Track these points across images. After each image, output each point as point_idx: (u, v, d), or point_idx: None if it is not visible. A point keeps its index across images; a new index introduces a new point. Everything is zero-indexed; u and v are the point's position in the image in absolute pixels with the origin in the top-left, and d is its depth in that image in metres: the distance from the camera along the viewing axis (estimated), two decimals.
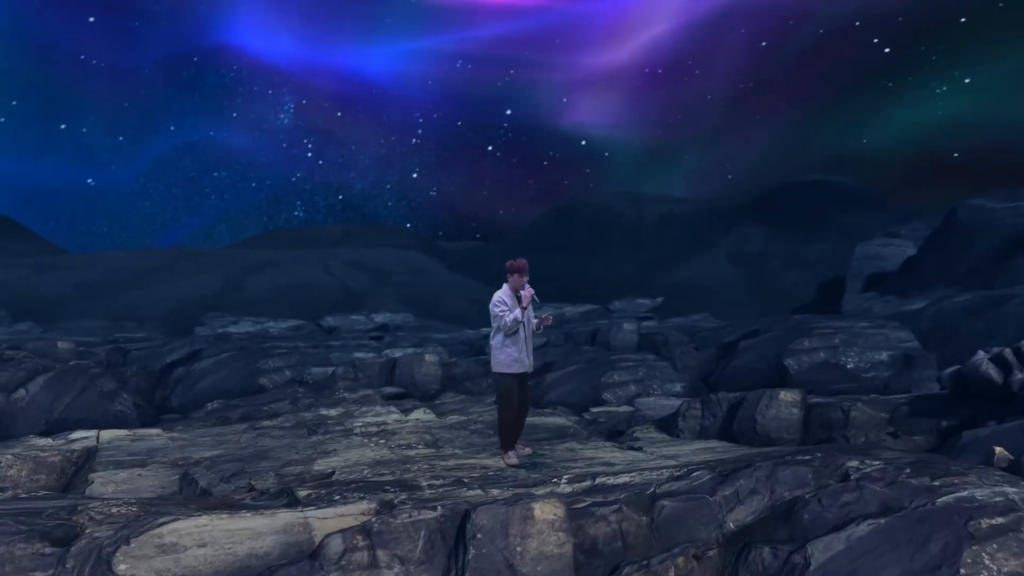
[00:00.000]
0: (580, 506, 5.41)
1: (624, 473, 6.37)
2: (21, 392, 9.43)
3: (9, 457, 8.03)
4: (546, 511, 4.72)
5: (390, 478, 6.87)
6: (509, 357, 7.59)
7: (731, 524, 5.44)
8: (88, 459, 8.41)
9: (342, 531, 4.72)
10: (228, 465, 8.02)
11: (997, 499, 5.14)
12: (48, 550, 5.24)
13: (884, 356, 11.62)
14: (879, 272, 24.06)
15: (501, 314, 7.55)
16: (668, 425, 9.96)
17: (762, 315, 14.96)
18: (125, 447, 8.78)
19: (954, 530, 4.82)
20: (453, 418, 10.38)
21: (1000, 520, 4.88)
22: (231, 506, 6.05)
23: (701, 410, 9.65)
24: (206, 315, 24.33)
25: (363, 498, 5.88)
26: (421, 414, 10.26)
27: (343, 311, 28.43)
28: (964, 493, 5.24)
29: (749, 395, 9.14)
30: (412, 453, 8.33)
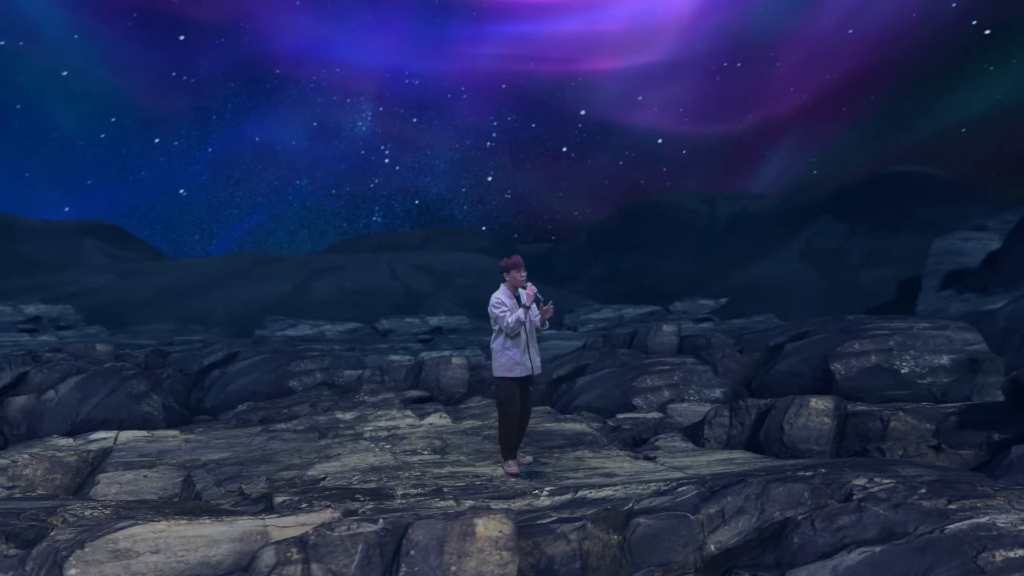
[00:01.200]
0: (542, 522, 5.01)
1: (610, 486, 5.91)
2: (51, 393, 9.74)
3: (26, 456, 8.26)
4: (490, 528, 4.34)
5: (373, 485, 6.63)
6: (510, 360, 7.25)
7: (712, 546, 4.92)
8: (103, 460, 8.56)
9: (277, 543, 4.49)
10: (229, 468, 7.99)
11: (1022, 527, 4.43)
12: (12, 551, 5.26)
13: (944, 360, 10.55)
14: (959, 268, 22.22)
15: (501, 316, 7.22)
16: (695, 433, 9.36)
17: (829, 316, 13.99)
18: (139, 448, 8.91)
19: (962, 563, 4.17)
20: (468, 423, 10.10)
21: (1020, 553, 4.19)
22: (207, 511, 5.95)
23: (729, 418, 9.01)
24: (267, 318, 24.95)
25: (329, 506, 5.65)
26: (436, 419, 10.02)
27: (401, 314, 28.65)
28: (983, 519, 4.55)
29: (778, 402, 8.45)
30: (414, 459, 8.08)
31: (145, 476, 8.00)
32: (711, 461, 7.79)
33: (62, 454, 8.47)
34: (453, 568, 4.12)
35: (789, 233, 43.63)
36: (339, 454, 8.39)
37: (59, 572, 4.96)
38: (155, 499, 7.40)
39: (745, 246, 44.41)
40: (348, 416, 9.96)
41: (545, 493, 5.96)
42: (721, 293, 28.61)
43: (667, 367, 11.73)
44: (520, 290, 7.44)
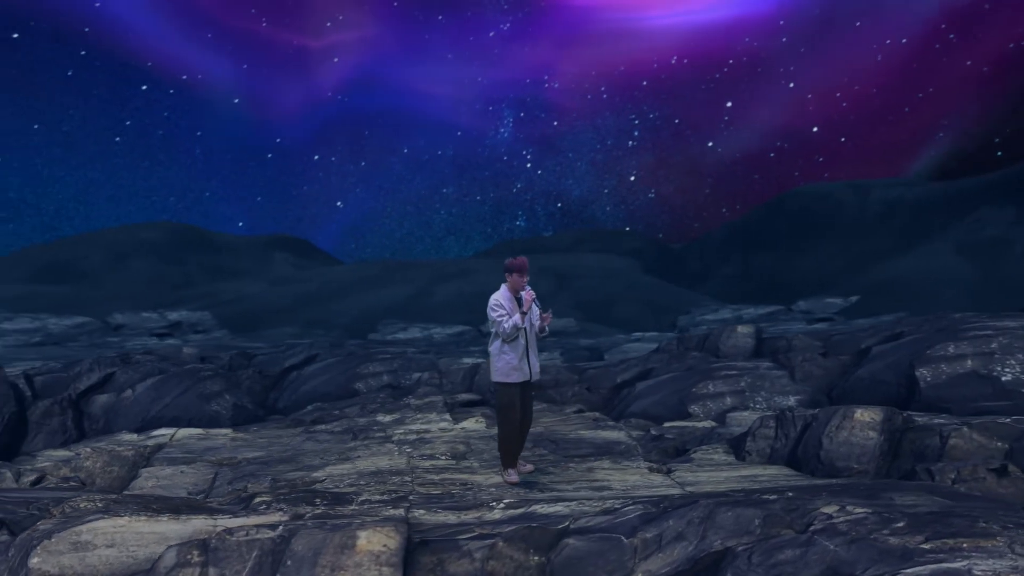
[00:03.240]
0: (461, 537, 4.70)
1: (567, 502, 5.48)
2: (128, 392, 10.63)
3: (88, 450, 9.05)
4: (373, 541, 4.12)
5: (349, 489, 6.61)
6: (508, 365, 6.99)
7: (640, 575, 4.39)
8: (155, 455, 9.20)
9: (180, 545, 4.53)
10: (252, 467, 8.30)
11: None
12: (3, 537, 5.73)
13: None
14: None
15: (499, 319, 6.99)
16: (739, 446, 8.54)
17: (934, 313, 12.16)
18: (188, 445, 9.49)
19: None
20: None
21: None
22: (186, 509, 6.17)
23: (775, 429, 8.13)
24: (381, 322, 25.98)
25: (281, 509, 5.68)
26: (472, 423, 9.87)
27: None
28: (956, 564, 3.71)
29: (821, 413, 7.51)
30: (426, 464, 8.00)
31: (182, 472, 8.49)
32: (732, 477, 7.06)
33: (121, 448, 9.20)
34: None
35: (946, 222, 39.07)
36: (359, 456, 8.47)
37: (26, 559, 5.34)
38: (169, 495, 7.83)
39: (894, 238, 40.35)
40: (387, 418, 10.05)
41: (501, 506, 5.63)
42: (855, 290, 26.12)
43: (735, 372, 10.80)
44: (520, 292, 7.16)
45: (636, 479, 7.08)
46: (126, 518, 5.58)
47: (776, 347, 11.97)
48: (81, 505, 6.29)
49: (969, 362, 9.13)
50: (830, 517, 4.32)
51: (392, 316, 29.38)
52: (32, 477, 8.25)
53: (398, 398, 11.76)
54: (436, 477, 7.16)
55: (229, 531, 4.41)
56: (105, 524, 5.52)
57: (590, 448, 8.63)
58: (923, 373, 9.15)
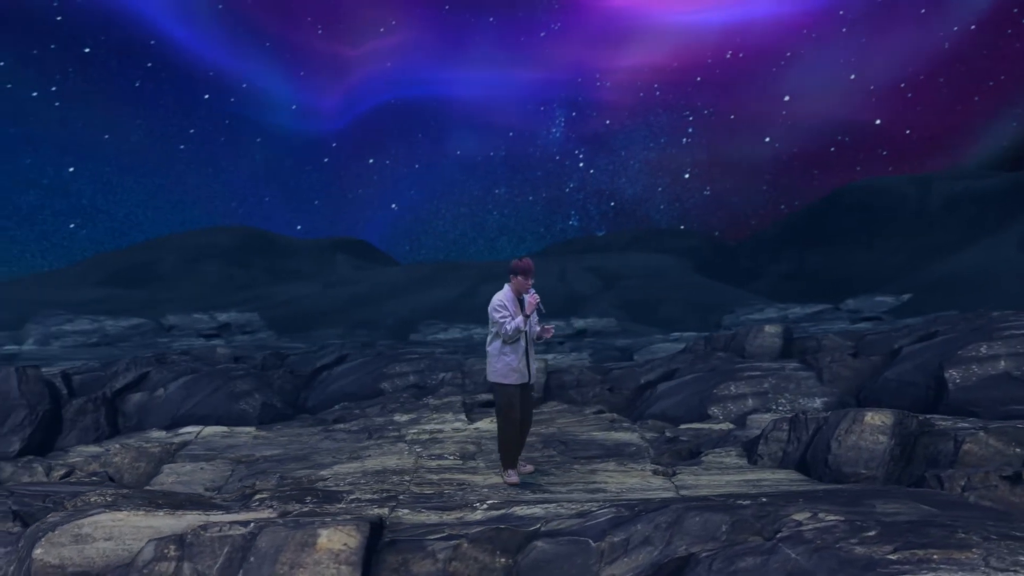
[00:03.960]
0: (432, 537, 4.72)
1: (545, 504, 5.46)
2: (160, 391, 11.04)
3: (117, 446, 9.44)
4: (334, 540, 4.18)
5: (347, 488, 6.71)
6: (507, 367, 7.01)
7: None
8: (179, 451, 9.53)
9: (158, 539, 4.69)
10: (265, 465, 8.52)
11: None
12: (15, 529, 6.04)
13: None
14: None
15: (501, 320, 7.02)
16: (753, 449, 8.33)
17: (973, 311, 11.53)
18: (212, 443, 9.79)
19: None
20: None
21: None
22: (187, 504, 6.38)
23: (788, 432, 7.91)
24: (423, 322, 26.26)
25: (271, 506, 5.81)
26: (487, 423, 9.89)
27: (556, 317, 28.70)
28: None
29: (832, 415, 7.26)
30: (433, 463, 8.06)
31: (202, 468, 8.78)
32: (734, 481, 6.90)
33: (149, 445, 9.56)
34: None
35: (1011, 215, 37.09)
36: (369, 455, 8.59)
37: (31, 550, 5.61)
38: (186, 490, 8.09)
39: (954, 233, 38.54)
40: (404, 418, 10.17)
41: (484, 507, 5.63)
42: (910, 288, 25.06)
43: (758, 373, 10.52)
44: (524, 295, 7.19)
45: (635, 482, 6.99)
46: (124, 512, 5.79)
47: (805, 347, 11.61)
48: (92, 499, 6.57)
49: (1002, 363, 8.68)
50: (800, 524, 4.18)
51: (436, 317, 29.67)
52: (62, 472, 8.66)
53: (420, 398, 11.88)
54: (436, 477, 7.21)
55: (204, 527, 4.54)
56: (105, 518, 5.75)
57: (599, 450, 8.55)
58: (952, 374, 8.74)
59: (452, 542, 4.50)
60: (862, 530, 4.05)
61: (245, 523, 4.52)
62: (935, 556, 3.77)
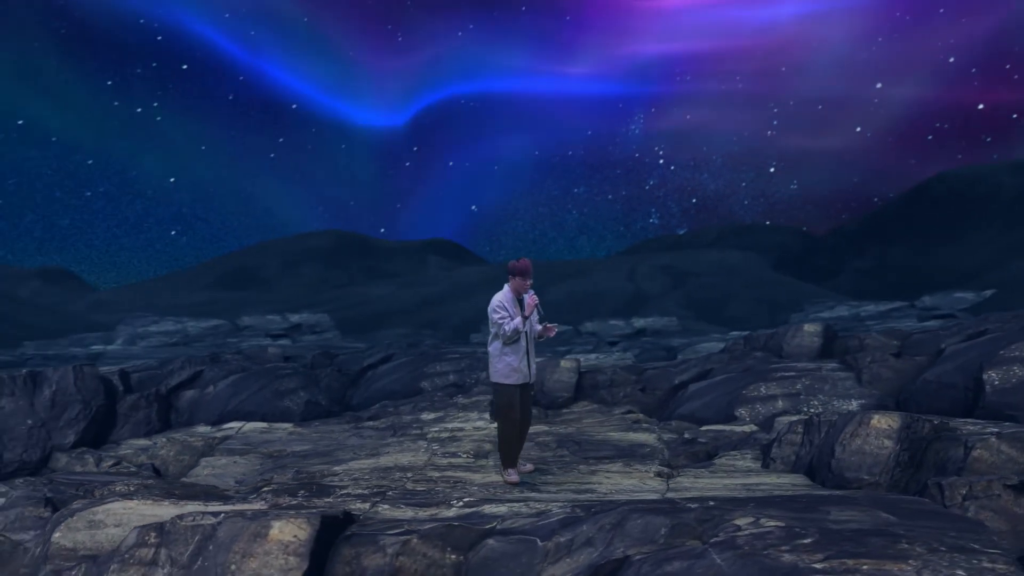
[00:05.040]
0: (391, 532, 4.90)
1: (518, 502, 5.55)
2: (210, 388, 11.72)
3: (164, 440, 10.09)
4: (285, 532, 4.41)
5: (346, 482, 6.98)
6: (508, 367, 7.14)
7: None
8: (219, 445, 10.10)
9: (142, 527, 5.05)
10: (290, 460, 8.92)
11: None
12: (46, 514, 6.60)
13: None
14: None
15: (501, 321, 7.16)
16: (769, 452, 8.11)
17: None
18: (250, 438, 10.32)
19: None
20: (541, 427, 9.90)
21: None
22: (201, 495, 6.81)
23: (802, 435, 7.67)
24: (484, 323, 26.51)
25: (263, 500, 6.14)
26: None
27: (618, 316, 28.46)
28: None
29: (840, 418, 7.00)
30: (443, 461, 8.25)
31: (235, 462, 9.29)
32: (730, 485, 6.77)
33: (193, 439, 10.18)
34: (232, 567, 4.29)
35: None
36: (387, 452, 8.87)
37: (51, 534, 6.14)
38: (217, 483, 8.57)
39: None
40: (430, 416, 10.41)
41: (460, 504, 5.77)
42: (993, 283, 23.39)
43: (792, 373, 10.16)
44: (523, 296, 7.30)
45: (631, 483, 6.96)
46: (135, 501, 6.26)
47: (847, 347, 11.13)
48: (117, 488, 7.11)
49: None
50: (738, 529, 4.12)
51: None
52: (110, 463, 9.36)
53: (452, 396, 12.11)
54: (437, 474, 7.39)
55: (180, 516, 4.87)
56: (117, 506, 6.22)
57: (611, 450, 8.52)
58: (991, 376, 8.22)
59: (403, 537, 4.65)
60: (798, 537, 3.95)
61: (216, 514, 4.81)
62: (865, 566, 3.65)
